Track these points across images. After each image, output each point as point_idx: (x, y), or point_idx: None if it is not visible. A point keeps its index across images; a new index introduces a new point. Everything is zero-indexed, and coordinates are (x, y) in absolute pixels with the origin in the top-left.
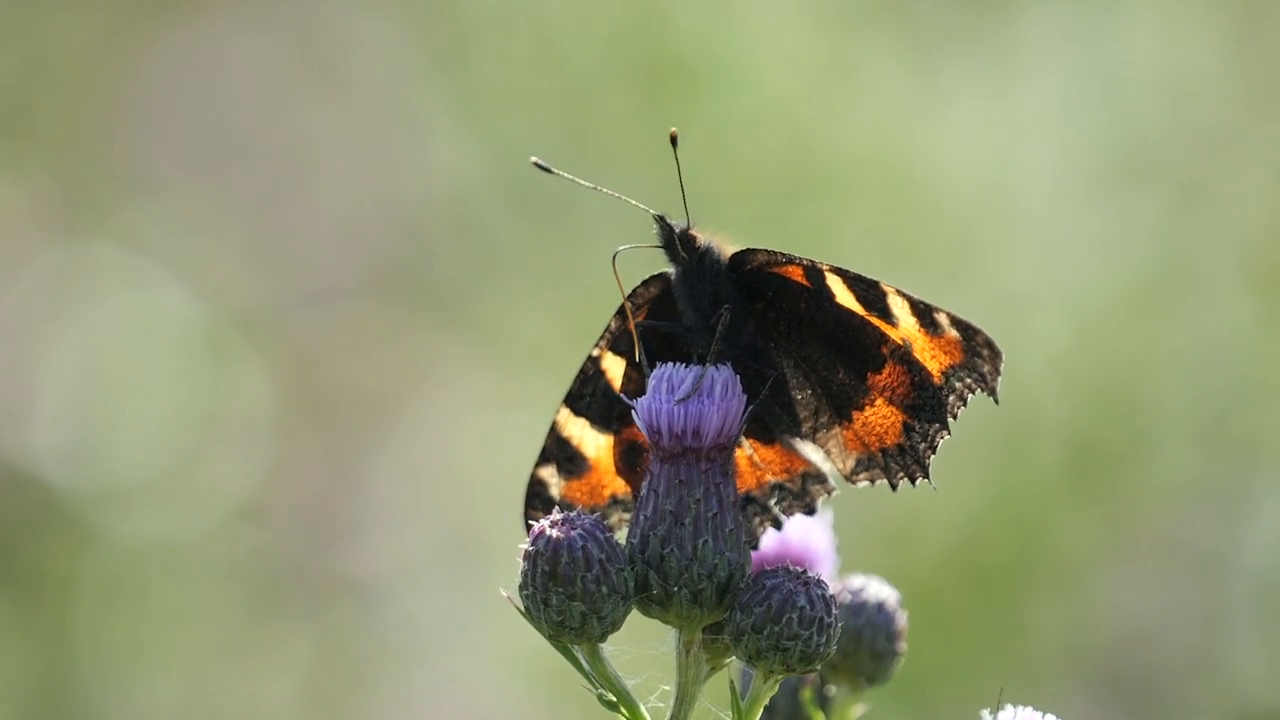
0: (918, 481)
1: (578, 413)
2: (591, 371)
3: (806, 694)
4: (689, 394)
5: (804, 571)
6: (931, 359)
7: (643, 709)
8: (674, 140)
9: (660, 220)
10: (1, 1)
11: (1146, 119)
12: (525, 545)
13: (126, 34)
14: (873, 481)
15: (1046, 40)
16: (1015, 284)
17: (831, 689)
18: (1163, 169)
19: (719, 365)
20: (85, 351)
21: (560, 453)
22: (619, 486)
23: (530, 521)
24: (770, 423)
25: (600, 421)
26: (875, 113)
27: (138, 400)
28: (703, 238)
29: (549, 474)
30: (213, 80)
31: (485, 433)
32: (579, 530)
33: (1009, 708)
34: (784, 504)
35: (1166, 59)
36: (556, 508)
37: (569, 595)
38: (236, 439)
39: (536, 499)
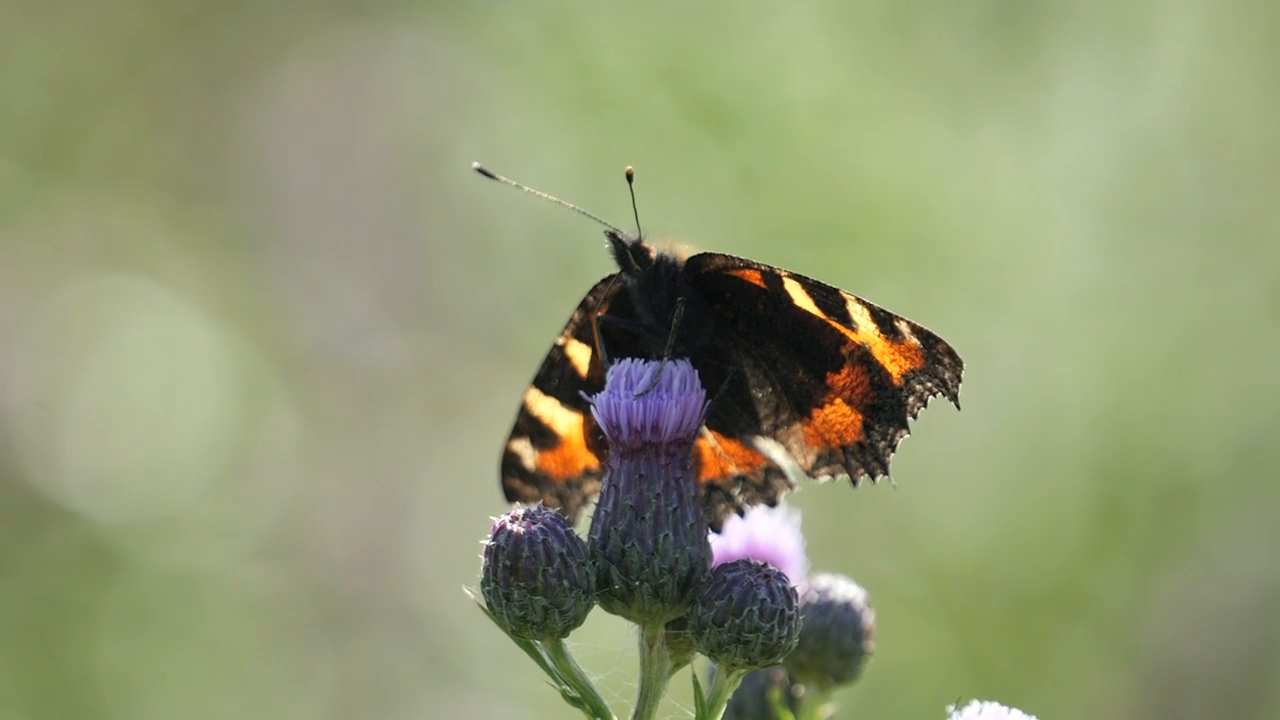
0: (878, 478)
1: (546, 393)
2: (558, 358)
3: (775, 694)
4: (647, 389)
5: (765, 565)
6: (891, 362)
7: (606, 705)
8: (629, 178)
9: (611, 236)
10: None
11: (1179, 168)
12: (486, 541)
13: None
14: (834, 476)
15: (1078, 90)
16: (1047, 327)
17: (800, 689)
18: (1195, 217)
19: (676, 360)
20: (115, 383)
21: (532, 428)
22: (591, 460)
23: (507, 491)
24: (729, 421)
25: (569, 401)
26: (907, 160)
27: (167, 433)
28: (655, 248)
29: (522, 447)
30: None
31: None
32: (540, 524)
33: (975, 703)
34: (747, 495)
35: (1197, 108)
36: (522, 500)
37: (530, 590)
38: (268, 472)
39: (513, 469)
